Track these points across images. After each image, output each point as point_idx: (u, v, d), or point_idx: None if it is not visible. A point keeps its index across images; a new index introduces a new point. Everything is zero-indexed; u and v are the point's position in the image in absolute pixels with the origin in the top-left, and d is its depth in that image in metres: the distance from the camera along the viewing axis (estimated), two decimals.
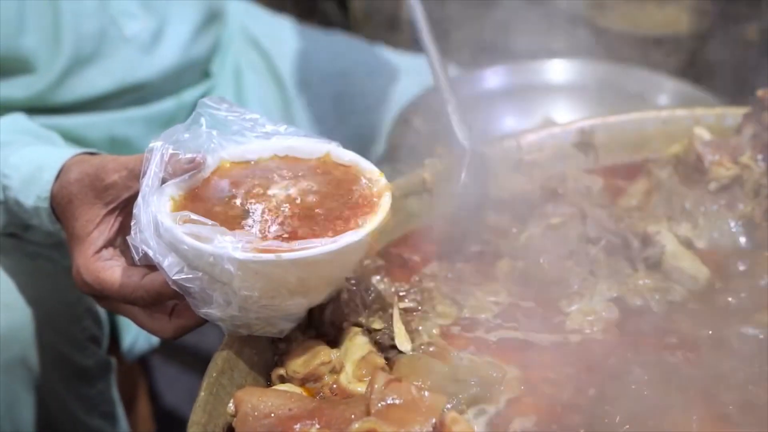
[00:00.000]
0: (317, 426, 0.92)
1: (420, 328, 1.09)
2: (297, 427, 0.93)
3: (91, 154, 1.21)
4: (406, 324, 1.09)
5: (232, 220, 1.03)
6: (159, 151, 1.05)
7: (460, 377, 1.01)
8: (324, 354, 1.04)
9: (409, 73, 1.91)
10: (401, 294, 1.13)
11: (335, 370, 1.04)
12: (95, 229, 1.15)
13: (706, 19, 2.19)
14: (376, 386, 0.94)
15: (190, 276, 1.01)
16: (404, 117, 1.80)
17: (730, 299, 1.13)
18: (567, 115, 1.80)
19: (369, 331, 1.07)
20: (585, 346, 1.08)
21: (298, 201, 1.06)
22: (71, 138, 1.48)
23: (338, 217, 1.04)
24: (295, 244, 0.99)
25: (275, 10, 2.32)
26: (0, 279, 1.37)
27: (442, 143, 1.75)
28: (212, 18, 1.74)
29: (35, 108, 1.49)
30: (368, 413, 0.92)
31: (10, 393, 1.39)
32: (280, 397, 0.97)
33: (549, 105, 1.85)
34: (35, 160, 1.22)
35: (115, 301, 1.15)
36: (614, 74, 1.88)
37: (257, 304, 1.02)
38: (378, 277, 1.14)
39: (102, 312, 1.51)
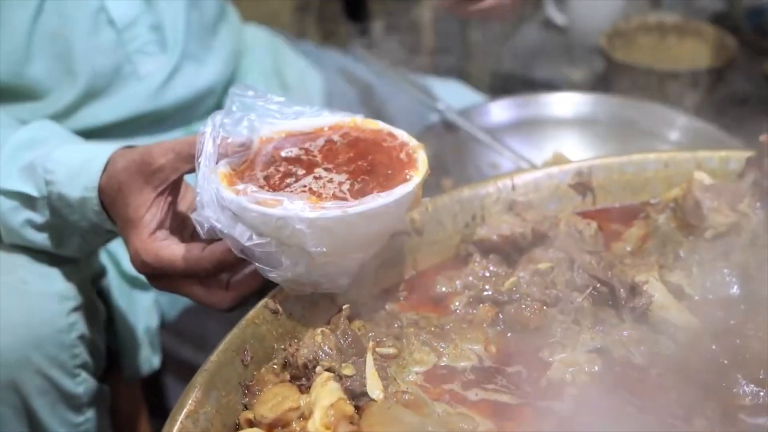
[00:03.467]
0: None
1: (395, 375, 1.07)
2: None
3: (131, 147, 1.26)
4: (381, 370, 1.06)
5: (286, 187, 1.11)
6: (211, 135, 1.13)
7: (429, 430, 0.98)
8: (293, 399, 1.02)
9: (421, 102, 1.90)
10: (379, 340, 1.11)
11: (304, 416, 1.01)
12: (147, 212, 1.20)
13: (725, 55, 2.16)
14: None
15: (260, 241, 1.08)
16: None
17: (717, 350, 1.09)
18: (577, 149, 1.77)
19: (340, 377, 1.05)
20: (565, 402, 1.04)
21: (344, 159, 1.14)
22: None
23: (385, 172, 1.12)
24: (355, 199, 1.08)
25: (298, 33, 2.32)
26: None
27: (446, 176, 1.73)
28: (232, 55, 1.74)
29: None
30: None
31: None
32: None
33: (559, 139, 1.82)
34: (81, 154, 1.29)
35: (174, 278, 1.20)
36: (627, 109, 1.85)
37: (324, 261, 1.09)
38: (358, 323, 1.12)
39: (98, 339, 1.50)
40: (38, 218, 1.34)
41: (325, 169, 1.13)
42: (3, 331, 1.35)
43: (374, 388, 1.04)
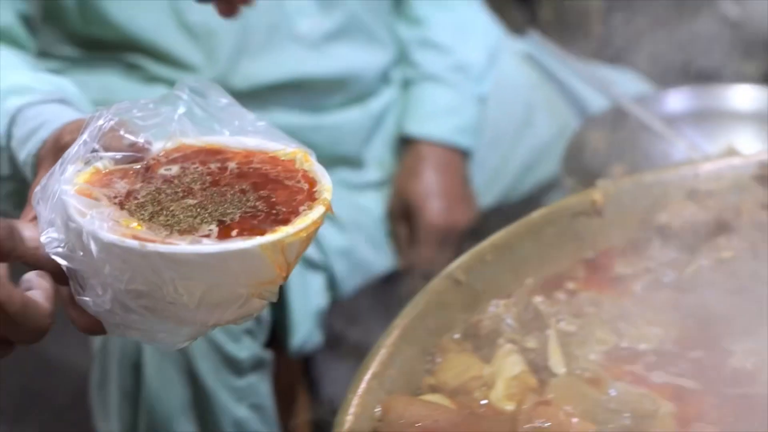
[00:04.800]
0: None
1: (576, 352, 1.08)
2: None
3: None
4: (563, 346, 1.07)
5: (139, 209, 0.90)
6: (100, 120, 0.94)
7: (612, 407, 0.99)
8: (476, 368, 1.04)
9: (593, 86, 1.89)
10: (560, 318, 1.12)
11: (486, 386, 1.03)
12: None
13: None
14: (524, 407, 0.94)
15: (68, 253, 0.89)
16: (582, 134, 1.78)
17: None
18: (751, 144, 1.74)
19: (524, 350, 1.06)
20: (748, 389, 1.04)
21: (229, 191, 0.92)
22: None
23: (269, 217, 0.89)
24: (177, 238, 0.87)
25: None
26: None
27: (619, 163, 1.73)
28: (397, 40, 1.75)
29: None
30: None
31: (161, 373, 1.45)
32: (427, 408, 0.97)
33: (733, 132, 1.80)
34: (41, 117, 1.19)
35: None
36: None
37: (132, 301, 0.89)
38: (539, 298, 1.13)
39: (264, 309, 1.53)
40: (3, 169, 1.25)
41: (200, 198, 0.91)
42: None
43: (557, 362, 1.05)
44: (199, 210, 0.90)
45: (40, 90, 1.25)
